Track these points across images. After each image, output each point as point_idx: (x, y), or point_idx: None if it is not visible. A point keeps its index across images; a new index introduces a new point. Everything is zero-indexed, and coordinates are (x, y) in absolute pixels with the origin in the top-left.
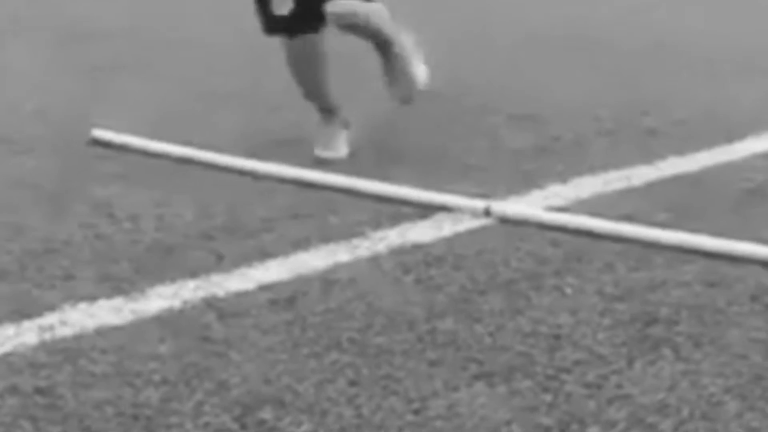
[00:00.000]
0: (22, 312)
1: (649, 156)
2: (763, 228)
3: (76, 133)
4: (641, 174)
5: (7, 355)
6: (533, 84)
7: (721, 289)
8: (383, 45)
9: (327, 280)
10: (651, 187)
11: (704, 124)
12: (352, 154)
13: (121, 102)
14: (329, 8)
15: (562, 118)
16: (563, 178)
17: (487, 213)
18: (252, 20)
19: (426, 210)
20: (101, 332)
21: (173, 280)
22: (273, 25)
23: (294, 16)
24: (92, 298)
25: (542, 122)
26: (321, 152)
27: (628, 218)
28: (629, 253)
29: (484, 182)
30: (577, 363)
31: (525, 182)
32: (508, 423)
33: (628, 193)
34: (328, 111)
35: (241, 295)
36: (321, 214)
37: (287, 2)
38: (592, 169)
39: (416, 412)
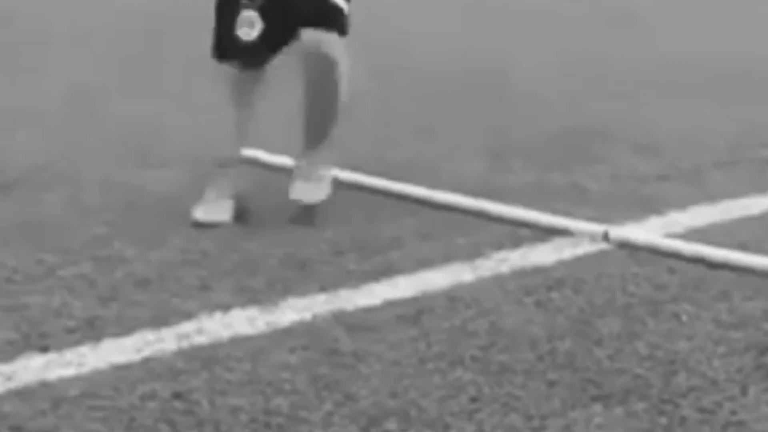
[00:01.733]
0: (161, 319)
1: (766, 186)
2: None
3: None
4: (759, 204)
5: (147, 360)
6: (654, 113)
7: None
8: (324, 121)
9: (451, 297)
10: (767, 217)
11: None
12: (471, 176)
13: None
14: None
15: (681, 147)
16: (681, 205)
17: (605, 238)
18: None
19: (546, 233)
20: (236, 341)
21: (304, 293)
22: (235, 50)
23: (261, 41)
24: (227, 307)
25: (661, 151)
26: (201, 215)
27: (745, 247)
28: (745, 282)
29: (603, 207)
30: (692, 389)
31: (643, 209)
32: None
33: (746, 222)
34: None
35: (368, 311)
36: (445, 234)
37: (256, 25)
38: (710, 198)
39: (535, 430)
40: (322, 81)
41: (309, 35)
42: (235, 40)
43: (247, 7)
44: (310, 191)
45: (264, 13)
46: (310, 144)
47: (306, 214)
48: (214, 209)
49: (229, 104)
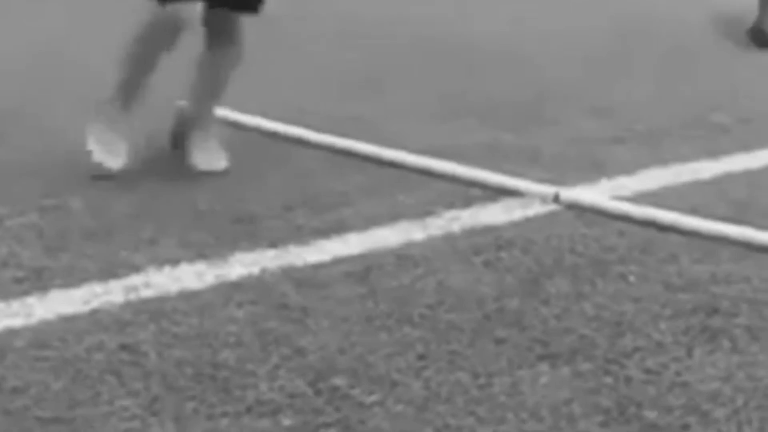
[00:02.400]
0: (108, 272)
1: (717, 151)
2: None
3: (162, 102)
4: (709, 168)
5: (94, 312)
6: (611, 78)
7: None
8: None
9: (400, 255)
10: (718, 182)
11: None
12: (425, 133)
13: None
14: None
15: (635, 111)
16: (633, 169)
17: (556, 199)
18: None
19: (497, 193)
20: (183, 295)
21: (253, 248)
22: None
23: None
24: (176, 261)
25: (615, 114)
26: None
27: (694, 211)
28: (694, 245)
29: (555, 169)
30: (637, 349)
31: (595, 171)
32: (569, 402)
33: (696, 187)
34: (134, 98)
35: (317, 267)
36: (396, 192)
37: None
38: (661, 162)
39: (481, 387)
40: (231, 54)
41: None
42: None
43: None
44: (216, 161)
45: None
46: (208, 111)
47: None
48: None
49: (145, 54)
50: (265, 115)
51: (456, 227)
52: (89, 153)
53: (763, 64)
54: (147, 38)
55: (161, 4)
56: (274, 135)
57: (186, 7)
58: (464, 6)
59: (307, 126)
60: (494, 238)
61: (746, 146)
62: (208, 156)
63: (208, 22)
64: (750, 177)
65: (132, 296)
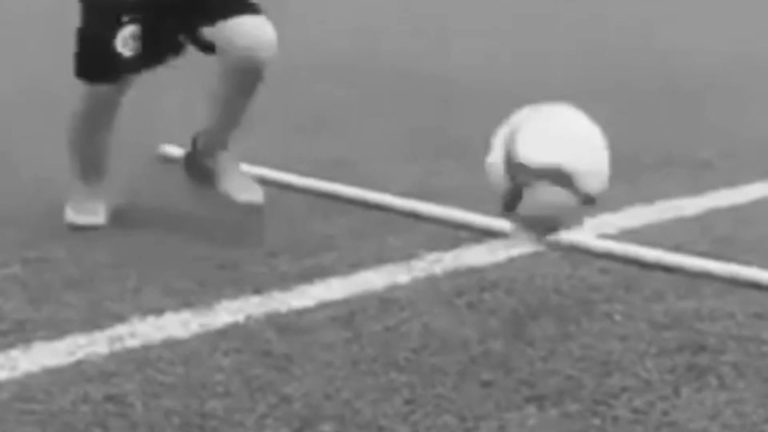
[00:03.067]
0: (92, 322)
1: (700, 187)
2: None
3: (144, 148)
4: (693, 204)
5: (79, 363)
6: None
7: (766, 321)
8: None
9: (384, 299)
10: (701, 218)
11: (756, 155)
12: (408, 173)
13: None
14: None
15: (616, 147)
16: (616, 206)
17: (540, 239)
18: None
19: (481, 234)
20: (168, 344)
21: (237, 295)
22: (115, 66)
23: (139, 57)
24: (160, 310)
25: None
26: (79, 218)
27: (678, 248)
28: (678, 282)
29: None
30: (625, 389)
31: None
32: None
33: (679, 223)
34: (99, 172)
35: (301, 312)
36: (379, 235)
37: (137, 38)
38: (645, 199)
39: (468, 431)
40: (255, 74)
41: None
42: (116, 57)
43: (128, 23)
44: (255, 191)
45: (147, 22)
46: (226, 139)
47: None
48: (88, 209)
49: (92, 129)
50: (247, 160)
51: (440, 269)
52: (70, 223)
53: (745, 99)
54: (87, 117)
55: (91, 84)
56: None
57: (119, 87)
58: (440, 40)
59: (289, 170)
60: (478, 279)
61: (730, 182)
62: (245, 185)
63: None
64: (734, 212)
65: (117, 346)
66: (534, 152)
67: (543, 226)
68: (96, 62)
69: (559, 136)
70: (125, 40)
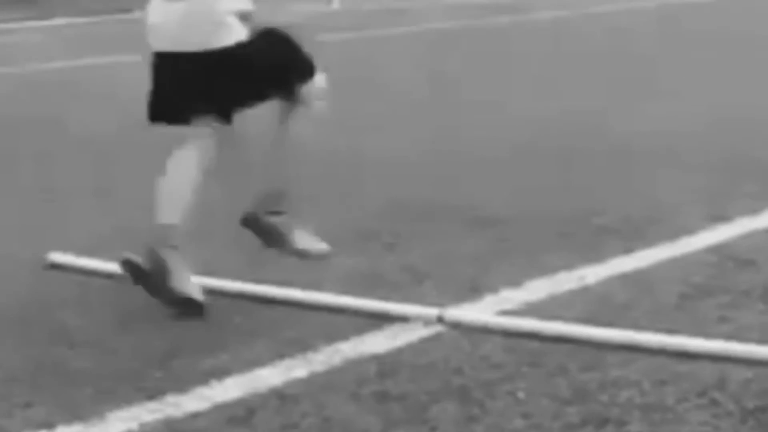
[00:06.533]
0: None
1: (600, 255)
2: (708, 323)
3: (33, 257)
4: (594, 273)
5: None
6: (487, 188)
7: (670, 387)
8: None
9: (283, 395)
10: (602, 286)
11: (653, 221)
12: (303, 268)
13: (75, 223)
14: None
15: (514, 221)
16: (516, 281)
17: (440, 320)
18: None
19: (380, 320)
20: None
21: (131, 402)
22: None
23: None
24: (51, 425)
25: (495, 225)
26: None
27: (580, 319)
28: (581, 353)
29: (438, 288)
30: None
31: (478, 287)
32: None
33: (580, 293)
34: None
35: (197, 415)
36: (276, 330)
37: None
38: (545, 271)
39: None
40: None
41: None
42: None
43: None
44: (318, 242)
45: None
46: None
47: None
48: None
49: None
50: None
51: (339, 359)
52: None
53: (642, 165)
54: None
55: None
56: None
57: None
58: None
59: None
60: (378, 367)
61: (628, 248)
62: (309, 237)
63: None
64: (634, 279)
65: None
66: None
67: None
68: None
69: None
70: None
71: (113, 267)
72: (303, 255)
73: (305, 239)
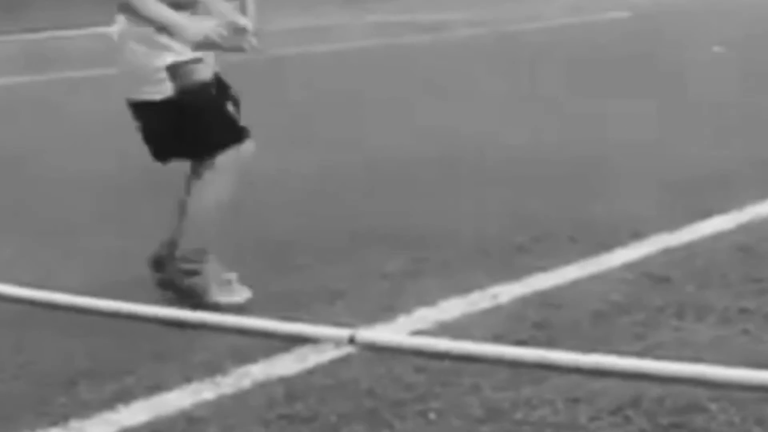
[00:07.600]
0: None
1: (515, 273)
2: (623, 340)
3: None
4: (508, 292)
5: None
6: (403, 207)
7: (583, 405)
8: None
9: (191, 418)
10: (516, 305)
11: (571, 239)
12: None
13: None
14: None
15: (429, 240)
16: (430, 300)
17: (351, 341)
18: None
19: (290, 342)
20: None
21: (34, 429)
22: (245, 133)
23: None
24: None
25: (410, 245)
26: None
27: (494, 338)
28: (495, 373)
29: (351, 308)
30: None
31: (391, 307)
32: None
33: (494, 312)
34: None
35: None
36: (184, 353)
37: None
38: (459, 290)
39: None
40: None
41: None
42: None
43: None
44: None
45: None
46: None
47: None
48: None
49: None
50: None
51: (248, 382)
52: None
53: (559, 183)
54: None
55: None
56: (55, 306)
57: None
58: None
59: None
60: (288, 389)
61: (543, 267)
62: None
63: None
64: (549, 297)
65: None
66: None
67: None
68: (235, 128)
69: None
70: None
71: (12, 290)
72: (216, 308)
73: (224, 291)
